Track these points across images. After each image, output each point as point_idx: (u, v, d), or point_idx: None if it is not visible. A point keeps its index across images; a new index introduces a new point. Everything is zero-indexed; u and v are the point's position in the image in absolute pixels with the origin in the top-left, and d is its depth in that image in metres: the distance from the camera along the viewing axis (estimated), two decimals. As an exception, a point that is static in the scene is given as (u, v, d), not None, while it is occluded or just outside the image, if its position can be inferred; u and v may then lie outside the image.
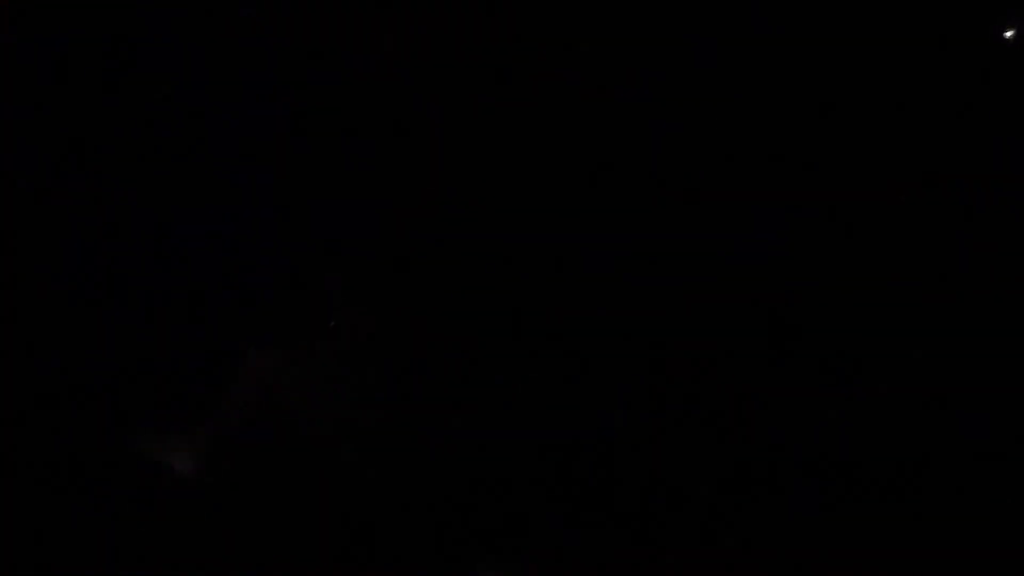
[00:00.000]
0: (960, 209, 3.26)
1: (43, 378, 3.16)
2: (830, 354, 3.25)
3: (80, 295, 3.20)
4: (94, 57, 3.21)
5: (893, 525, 3.12)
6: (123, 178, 3.23)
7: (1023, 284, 3.24)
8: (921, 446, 3.20)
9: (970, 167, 3.27)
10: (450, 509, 3.19)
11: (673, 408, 3.25)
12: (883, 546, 3.10)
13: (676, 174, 3.30)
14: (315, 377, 3.24)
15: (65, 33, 3.21)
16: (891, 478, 3.18)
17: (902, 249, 3.27)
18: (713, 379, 3.25)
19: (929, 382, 3.21)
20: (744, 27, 3.28)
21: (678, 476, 3.22)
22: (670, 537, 3.15)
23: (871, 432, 3.21)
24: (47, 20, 3.20)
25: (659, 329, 3.27)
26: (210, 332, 3.21)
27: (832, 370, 3.23)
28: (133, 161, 3.23)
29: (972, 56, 3.29)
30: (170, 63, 3.23)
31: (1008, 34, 3.26)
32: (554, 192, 3.29)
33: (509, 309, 3.27)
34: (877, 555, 3.09)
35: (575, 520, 3.18)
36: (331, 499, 3.19)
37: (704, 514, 3.18)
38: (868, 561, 3.09)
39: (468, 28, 3.28)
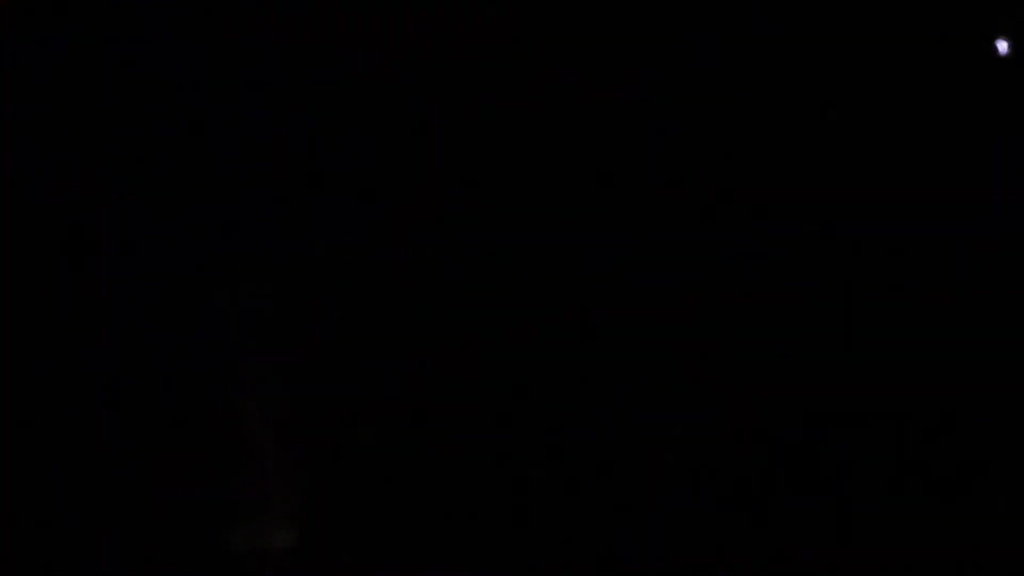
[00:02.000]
0: (959, 209, 3.27)
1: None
2: (829, 354, 3.25)
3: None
4: (94, 57, 3.22)
5: (891, 527, 3.13)
6: (122, 178, 3.24)
7: (1021, 284, 3.25)
8: (920, 446, 3.21)
9: (969, 168, 3.28)
10: (450, 509, 3.20)
11: (671, 408, 3.26)
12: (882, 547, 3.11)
13: (675, 174, 3.30)
14: (312, 376, 3.24)
15: (65, 33, 3.21)
16: (890, 479, 3.20)
17: (901, 249, 3.28)
18: (713, 379, 3.26)
19: (928, 382, 3.22)
20: (745, 29, 3.28)
21: (677, 476, 3.23)
22: (669, 538, 3.16)
23: (871, 432, 3.22)
24: (47, 20, 3.21)
25: (658, 329, 3.28)
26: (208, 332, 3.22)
27: (831, 371, 3.24)
28: (132, 161, 3.24)
29: (969, 63, 3.30)
30: (170, 63, 3.23)
31: (1002, 46, 3.28)
32: (553, 192, 3.30)
33: (509, 309, 3.27)
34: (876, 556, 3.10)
35: (574, 520, 3.19)
36: (330, 499, 3.20)
37: (704, 515, 3.19)
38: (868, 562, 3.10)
39: (467, 28, 3.28)
